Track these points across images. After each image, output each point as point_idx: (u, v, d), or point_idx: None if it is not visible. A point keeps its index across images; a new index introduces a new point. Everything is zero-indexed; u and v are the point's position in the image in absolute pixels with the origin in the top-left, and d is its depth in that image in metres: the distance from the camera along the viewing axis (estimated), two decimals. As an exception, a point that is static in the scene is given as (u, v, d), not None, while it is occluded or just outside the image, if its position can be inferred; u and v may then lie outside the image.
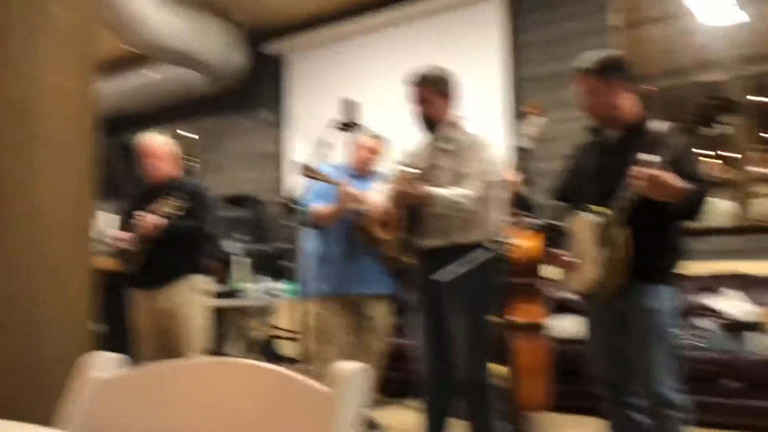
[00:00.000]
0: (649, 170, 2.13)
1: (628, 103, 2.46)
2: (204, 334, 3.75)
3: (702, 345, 3.79)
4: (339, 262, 3.45)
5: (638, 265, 2.27)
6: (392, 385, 4.13)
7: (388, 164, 3.71)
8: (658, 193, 2.17)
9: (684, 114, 2.10)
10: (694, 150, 2.38)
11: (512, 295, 2.72)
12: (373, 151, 3.62)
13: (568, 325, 4.03)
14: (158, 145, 3.78)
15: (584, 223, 2.40)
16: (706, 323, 3.94)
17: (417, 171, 2.82)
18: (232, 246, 6.37)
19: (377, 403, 3.97)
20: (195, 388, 1.01)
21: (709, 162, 4.11)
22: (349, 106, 3.16)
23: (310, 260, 3.53)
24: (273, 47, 6.85)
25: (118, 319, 3.91)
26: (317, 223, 3.49)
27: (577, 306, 4.06)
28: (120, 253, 3.71)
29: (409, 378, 3.85)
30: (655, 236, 2.31)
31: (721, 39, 4.65)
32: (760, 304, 3.97)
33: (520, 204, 3.10)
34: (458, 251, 2.67)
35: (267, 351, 5.70)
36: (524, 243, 2.66)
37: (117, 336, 4.06)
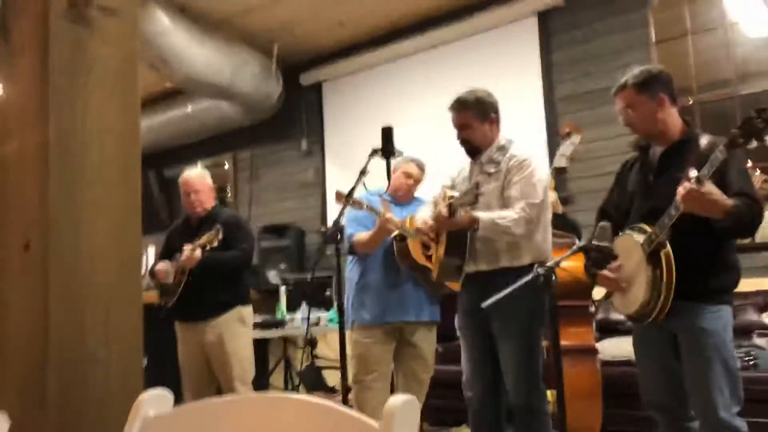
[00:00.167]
0: (690, 186, 2.07)
1: (671, 118, 2.41)
2: (250, 365, 3.76)
3: (758, 364, 3.65)
4: (381, 289, 3.43)
5: (691, 285, 2.20)
6: (438, 414, 4.08)
7: (428, 189, 3.70)
8: (702, 209, 2.11)
9: (730, 127, 2.04)
10: (742, 164, 2.32)
11: (560, 318, 2.67)
12: (412, 177, 3.60)
13: (618, 347, 3.93)
14: (198, 179, 3.84)
15: (630, 243, 2.35)
16: (761, 342, 3.80)
17: (462, 194, 2.81)
18: (274, 276, 6.42)
19: (424, 432, 3.92)
20: (246, 424, 0.99)
21: (757, 175, 4.00)
22: (387, 132, 3.16)
23: (352, 288, 3.52)
24: (308, 77, 6.93)
25: (160, 352, 3.95)
26: (358, 251, 3.48)
27: (626, 327, 3.97)
28: (160, 287, 3.76)
29: (454, 406, 3.80)
30: (708, 254, 2.25)
31: (762, 50, 4.56)
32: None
33: (562, 224, 3.05)
34: (506, 275, 2.64)
35: (310, 381, 5.68)
36: (571, 264, 2.61)
37: (159, 369, 4.11)
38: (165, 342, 3.85)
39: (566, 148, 3.71)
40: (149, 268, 3.88)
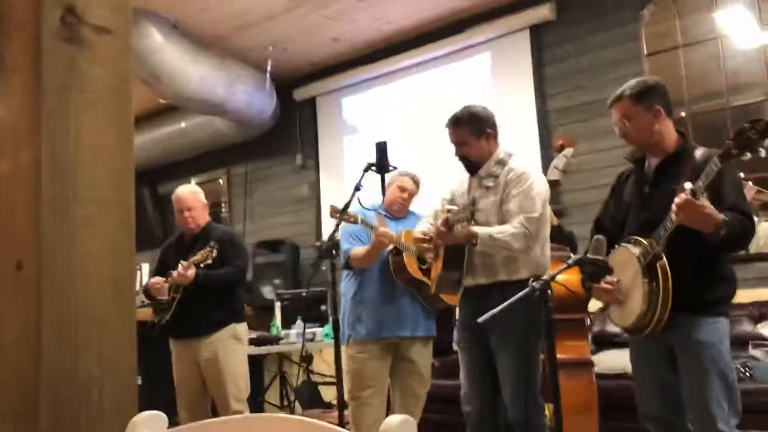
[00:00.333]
0: (686, 197, 2.08)
1: (667, 130, 2.42)
2: (246, 382, 3.74)
3: (754, 376, 3.65)
4: (377, 304, 3.42)
5: (687, 297, 2.20)
6: (435, 429, 4.05)
7: (423, 203, 3.70)
8: (695, 222, 2.12)
9: (722, 138, 2.05)
10: (736, 177, 2.33)
11: (556, 332, 2.67)
12: (407, 191, 3.61)
13: (614, 360, 3.92)
14: (190, 196, 3.83)
15: (626, 255, 2.35)
16: (757, 353, 3.80)
17: (459, 209, 2.81)
18: (268, 291, 6.40)
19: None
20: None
21: (750, 186, 4.01)
22: (381, 147, 3.17)
23: (348, 303, 3.51)
24: (302, 92, 6.95)
25: (154, 370, 3.93)
26: (354, 266, 3.48)
27: (622, 340, 3.97)
28: (154, 304, 3.75)
29: (452, 420, 3.77)
30: (704, 266, 2.25)
31: (753, 62, 4.60)
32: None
33: (558, 237, 3.06)
34: (504, 289, 2.64)
35: (306, 397, 5.65)
36: (566, 278, 2.61)
37: (154, 387, 4.08)
38: (159, 359, 3.82)
39: (559, 160, 3.73)
40: (143, 285, 3.87)
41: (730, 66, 4.67)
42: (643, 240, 2.29)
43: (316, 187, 6.89)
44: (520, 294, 2.33)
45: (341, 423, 3.02)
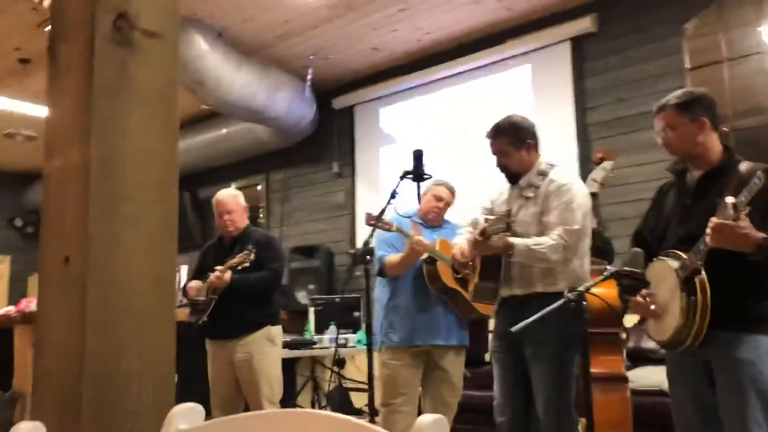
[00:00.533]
0: (718, 220, 2.04)
1: (711, 142, 2.37)
2: (279, 385, 3.78)
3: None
4: (410, 312, 3.43)
5: (726, 313, 2.16)
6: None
7: (458, 213, 3.71)
8: (731, 244, 2.08)
9: (766, 154, 2.01)
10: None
11: (591, 346, 2.64)
12: (443, 200, 3.61)
13: (649, 377, 3.86)
14: (231, 199, 3.90)
15: (664, 268, 2.32)
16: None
17: (495, 219, 2.80)
18: (303, 296, 6.45)
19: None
20: (274, 440, 1.01)
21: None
22: (418, 155, 3.18)
23: (381, 310, 3.52)
24: (341, 101, 7.01)
25: (190, 369, 3.99)
26: (388, 273, 3.49)
27: (658, 356, 3.90)
28: (191, 305, 3.81)
29: (482, 431, 3.75)
30: (745, 281, 2.19)
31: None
32: None
33: (597, 250, 3.02)
34: (541, 300, 2.61)
35: (337, 402, 5.67)
36: (602, 291, 2.59)
37: (189, 386, 4.14)
38: (195, 359, 3.88)
39: (597, 173, 3.69)
40: (182, 285, 3.94)
41: (775, 80, 4.58)
42: (681, 254, 2.26)
43: (351, 194, 6.93)
44: (554, 305, 2.31)
45: (372, 429, 3.02)
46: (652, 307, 2.35)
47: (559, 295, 2.55)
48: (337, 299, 5.93)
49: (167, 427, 1.06)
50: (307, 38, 6.01)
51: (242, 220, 3.91)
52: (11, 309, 4.78)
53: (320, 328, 5.63)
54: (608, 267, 2.55)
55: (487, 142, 2.98)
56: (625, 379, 3.34)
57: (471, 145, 5.66)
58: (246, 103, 6.16)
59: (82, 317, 1.44)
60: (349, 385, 5.88)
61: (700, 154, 2.37)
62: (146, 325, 1.51)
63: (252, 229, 3.98)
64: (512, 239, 2.75)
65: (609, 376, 3.23)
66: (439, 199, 3.60)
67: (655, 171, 4.67)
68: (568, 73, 5.48)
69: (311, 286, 6.58)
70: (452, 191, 3.66)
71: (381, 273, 3.51)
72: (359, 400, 5.68)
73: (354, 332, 5.53)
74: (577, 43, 5.46)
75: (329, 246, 6.88)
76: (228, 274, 3.59)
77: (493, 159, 2.98)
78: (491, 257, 2.87)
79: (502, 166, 2.96)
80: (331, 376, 5.76)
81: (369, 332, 3.19)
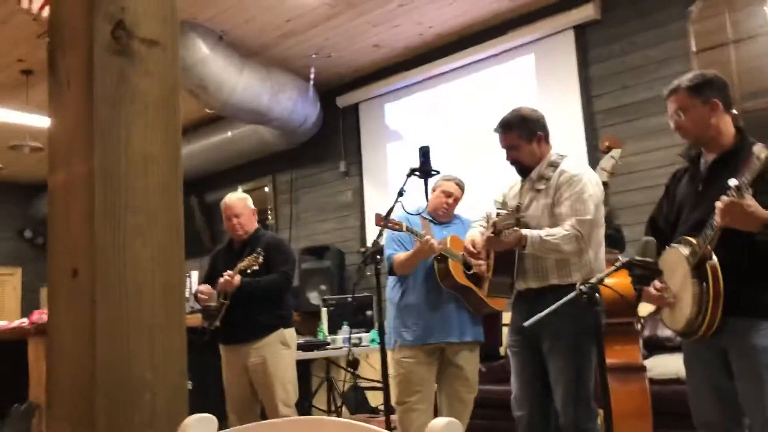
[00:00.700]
0: (729, 199, 2.02)
1: (724, 125, 2.34)
2: (294, 387, 3.77)
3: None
4: (422, 310, 3.41)
5: (741, 299, 2.13)
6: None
7: (467, 208, 3.69)
8: (740, 223, 2.05)
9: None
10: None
11: (606, 336, 2.62)
12: (452, 195, 3.59)
13: (666, 365, 3.83)
14: (239, 203, 3.89)
15: (676, 256, 2.29)
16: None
17: (505, 215, 2.78)
18: (315, 297, 6.45)
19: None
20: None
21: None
22: (424, 152, 3.16)
23: (394, 308, 3.51)
24: (345, 99, 6.99)
25: (204, 375, 3.99)
26: (397, 271, 3.48)
27: (674, 344, 3.87)
28: (203, 310, 3.82)
29: (499, 426, 3.74)
30: (760, 267, 2.16)
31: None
32: None
33: (608, 239, 2.99)
34: (556, 293, 2.57)
35: (353, 402, 5.67)
36: (615, 281, 2.56)
37: (204, 392, 4.15)
38: (209, 365, 3.89)
39: (606, 162, 3.66)
40: (193, 292, 3.94)
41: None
42: (692, 240, 2.23)
43: (359, 193, 6.92)
44: (567, 297, 2.29)
45: (388, 428, 3.02)
46: (665, 295, 2.32)
47: (574, 287, 2.53)
48: (349, 299, 5.92)
49: (179, 437, 1.06)
50: (308, 37, 6.00)
51: (251, 223, 3.90)
52: (25, 321, 4.80)
53: (333, 329, 5.63)
54: (620, 257, 2.53)
55: (494, 134, 2.95)
56: (643, 369, 3.32)
57: (478, 137, 5.64)
58: (250, 105, 6.16)
59: (92, 328, 1.43)
60: (365, 384, 5.87)
61: (712, 138, 2.34)
62: (156, 334, 1.50)
63: (261, 232, 3.98)
64: (524, 231, 2.73)
65: (626, 366, 3.21)
66: (448, 194, 3.58)
67: (664, 157, 4.63)
68: (573, 61, 5.44)
69: (323, 287, 6.58)
70: (461, 186, 3.63)
71: (391, 272, 3.50)
72: (375, 399, 5.67)
73: (367, 331, 5.52)
74: (581, 31, 5.42)
75: (339, 246, 6.87)
76: (237, 278, 3.59)
77: (501, 151, 2.96)
78: (504, 252, 2.85)
79: (513, 160, 2.93)
80: (345, 376, 5.76)
81: (382, 331, 3.18)
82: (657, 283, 2.33)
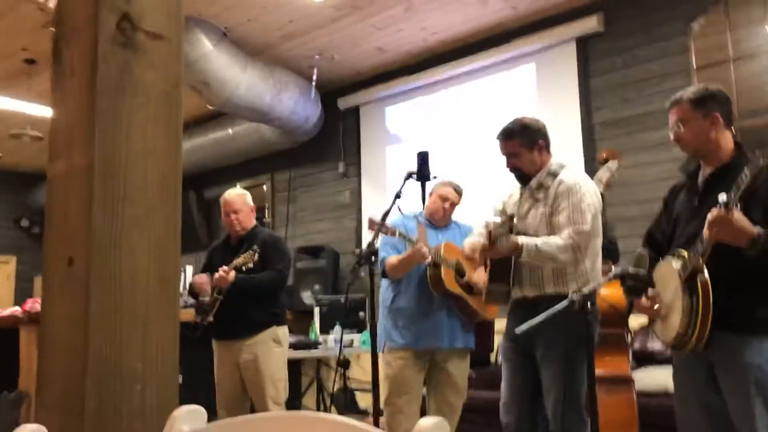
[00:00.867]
0: (718, 212, 2.03)
1: (723, 139, 2.35)
2: (284, 386, 3.78)
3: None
4: (413, 315, 3.42)
5: (732, 314, 2.14)
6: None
7: (464, 214, 3.70)
8: (729, 237, 2.06)
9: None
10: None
11: (597, 347, 2.64)
12: (449, 200, 3.60)
13: (655, 378, 3.85)
14: (238, 199, 3.90)
15: (668, 269, 2.30)
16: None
17: (499, 223, 2.79)
18: (308, 297, 6.45)
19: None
20: (276, 442, 1.01)
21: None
22: (423, 156, 3.17)
23: (385, 311, 3.52)
24: (346, 101, 7.01)
25: (195, 370, 4.00)
26: (388, 274, 3.48)
27: (663, 357, 3.89)
28: (196, 305, 3.82)
29: (487, 432, 3.75)
30: (751, 283, 2.16)
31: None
32: None
33: (603, 251, 3.01)
34: (552, 302, 2.54)
35: (342, 403, 5.67)
36: (608, 292, 2.58)
37: (194, 387, 4.15)
38: (201, 360, 3.89)
39: (603, 173, 3.68)
40: (187, 284, 3.94)
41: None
42: (684, 253, 2.24)
43: (357, 194, 6.93)
44: (556, 307, 2.30)
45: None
46: (656, 307, 2.33)
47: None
48: (342, 300, 5.92)
49: (169, 429, 1.06)
50: (312, 38, 6.02)
51: (249, 220, 3.91)
52: (17, 309, 4.80)
53: (325, 329, 5.63)
54: (613, 268, 2.54)
55: (494, 141, 2.97)
56: (631, 381, 3.33)
57: (477, 143, 5.65)
58: (252, 103, 6.17)
59: (86, 318, 1.44)
60: (354, 385, 5.88)
61: (711, 151, 2.35)
62: (149, 326, 1.51)
63: (259, 229, 3.98)
64: (521, 239, 2.74)
65: (614, 377, 3.22)
66: (444, 199, 3.59)
67: (661, 171, 4.65)
68: (574, 72, 5.46)
69: (316, 287, 6.59)
70: (459, 191, 3.64)
71: (385, 274, 3.51)
72: (364, 400, 5.68)
73: (359, 333, 5.52)
74: (583, 43, 5.44)
75: (334, 246, 6.88)
76: (232, 274, 3.59)
77: (500, 158, 2.97)
78: (500, 259, 2.86)
79: (513, 167, 2.95)
80: (335, 377, 5.76)
81: (374, 333, 3.19)
82: (649, 295, 2.34)
